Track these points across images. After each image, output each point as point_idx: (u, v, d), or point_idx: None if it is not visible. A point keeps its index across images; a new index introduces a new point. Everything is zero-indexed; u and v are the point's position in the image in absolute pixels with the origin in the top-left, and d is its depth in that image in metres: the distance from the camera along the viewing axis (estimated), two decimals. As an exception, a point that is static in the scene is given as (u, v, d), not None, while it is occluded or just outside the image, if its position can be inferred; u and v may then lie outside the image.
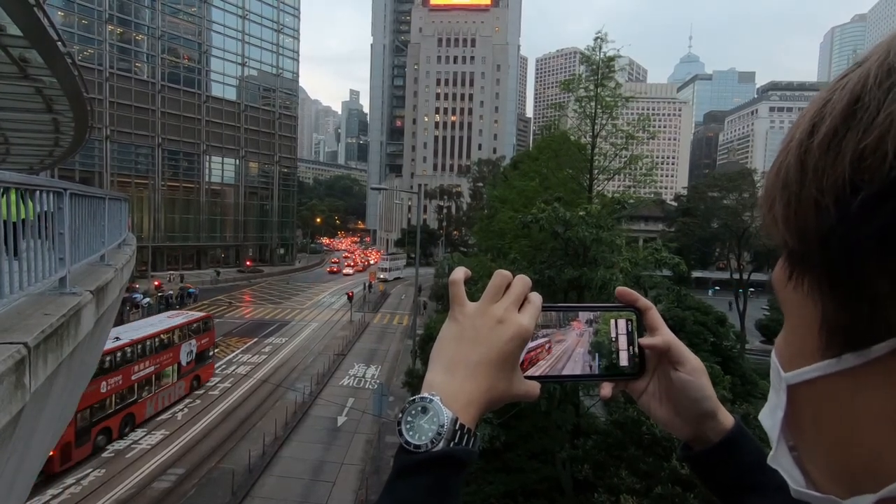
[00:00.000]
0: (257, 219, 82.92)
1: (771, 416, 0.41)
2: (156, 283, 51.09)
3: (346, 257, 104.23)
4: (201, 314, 29.60)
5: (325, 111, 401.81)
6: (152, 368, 23.49)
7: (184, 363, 25.81)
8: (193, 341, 26.70)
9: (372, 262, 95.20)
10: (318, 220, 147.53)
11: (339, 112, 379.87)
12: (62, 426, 6.41)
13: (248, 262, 78.09)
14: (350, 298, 49.53)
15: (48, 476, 18.24)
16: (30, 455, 4.12)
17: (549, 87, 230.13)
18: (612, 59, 19.46)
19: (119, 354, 21.58)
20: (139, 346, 22.94)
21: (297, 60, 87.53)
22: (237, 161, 78.63)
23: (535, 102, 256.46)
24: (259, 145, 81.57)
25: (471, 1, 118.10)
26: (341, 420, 23.78)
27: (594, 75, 19.49)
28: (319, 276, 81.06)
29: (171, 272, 64.47)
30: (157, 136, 67.80)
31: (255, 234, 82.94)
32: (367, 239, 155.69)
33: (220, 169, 77.09)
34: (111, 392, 21.01)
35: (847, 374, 0.33)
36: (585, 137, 20.28)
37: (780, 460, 0.40)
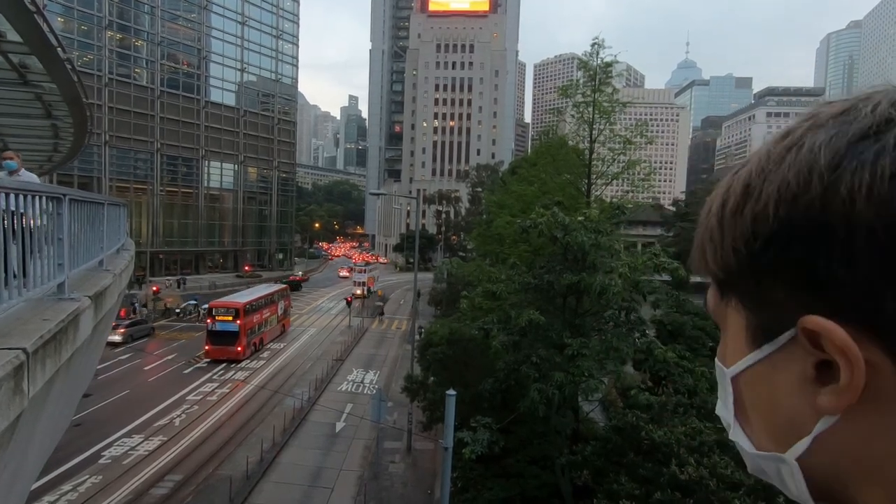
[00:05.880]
0: (256, 224, 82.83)
1: (724, 407, 0.54)
2: (154, 288, 50.93)
3: (347, 256, 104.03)
4: (284, 286, 45.25)
5: (324, 117, 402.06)
6: (269, 313, 38.05)
7: (279, 314, 40.69)
8: (283, 302, 41.79)
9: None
10: (317, 225, 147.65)
11: (338, 117, 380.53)
12: (59, 432, 6.38)
13: (246, 268, 77.96)
14: (349, 303, 49.51)
15: (237, 362, 32.52)
16: (27, 461, 4.10)
17: (547, 93, 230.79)
18: (609, 64, 19.56)
19: (261, 301, 36.83)
20: (264, 299, 37.74)
21: (296, 66, 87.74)
22: (236, 166, 78.63)
23: (534, 108, 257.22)
24: (258, 150, 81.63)
25: (469, 7, 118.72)
26: (340, 426, 23.67)
27: (592, 81, 19.57)
28: (318, 281, 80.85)
29: (169, 278, 64.33)
30: (156, 142, 67.87)
31: (253, 240, 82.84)
32: (366, 244, 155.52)
33: (219, 174, 77.08)
34: (257, 323, 35.51)
35: (766, 360, 0.47)
36: (583, 143, 20.35)
37: (737, 436, 0.53)
